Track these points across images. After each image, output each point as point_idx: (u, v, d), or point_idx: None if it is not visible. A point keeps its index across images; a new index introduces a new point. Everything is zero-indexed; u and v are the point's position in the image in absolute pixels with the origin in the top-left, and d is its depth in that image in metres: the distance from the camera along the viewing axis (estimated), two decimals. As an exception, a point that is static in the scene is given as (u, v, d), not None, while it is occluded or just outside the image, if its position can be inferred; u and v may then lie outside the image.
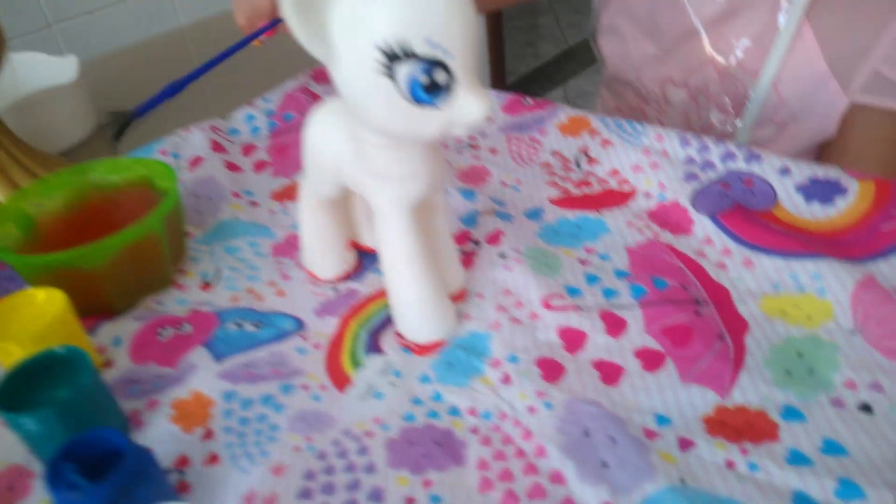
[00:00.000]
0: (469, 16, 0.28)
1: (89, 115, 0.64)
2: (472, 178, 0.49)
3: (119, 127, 0.42)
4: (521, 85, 2.42)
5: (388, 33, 0.27)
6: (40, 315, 0.36)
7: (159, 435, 0.33)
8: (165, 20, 1.06)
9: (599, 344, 0.36)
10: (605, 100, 0.68)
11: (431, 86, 0.28)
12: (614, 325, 0.36)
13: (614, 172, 0.47)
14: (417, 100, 0.28)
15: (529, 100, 0.55)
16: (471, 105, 0.29)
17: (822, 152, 0.54)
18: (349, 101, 0.31)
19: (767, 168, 0.43)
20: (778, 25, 0.50)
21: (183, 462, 0.32)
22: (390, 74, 0.28)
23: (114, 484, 0.26)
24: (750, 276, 0.38)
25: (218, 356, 0.37)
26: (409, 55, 0.27)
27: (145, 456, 0.28)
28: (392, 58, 0.28)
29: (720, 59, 0.54)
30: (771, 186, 0.42)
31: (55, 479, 0.27)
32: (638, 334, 0.36)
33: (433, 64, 0.28)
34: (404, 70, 0.28)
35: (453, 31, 0.28)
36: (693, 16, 0.54)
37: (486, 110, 0.29)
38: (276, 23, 0.47)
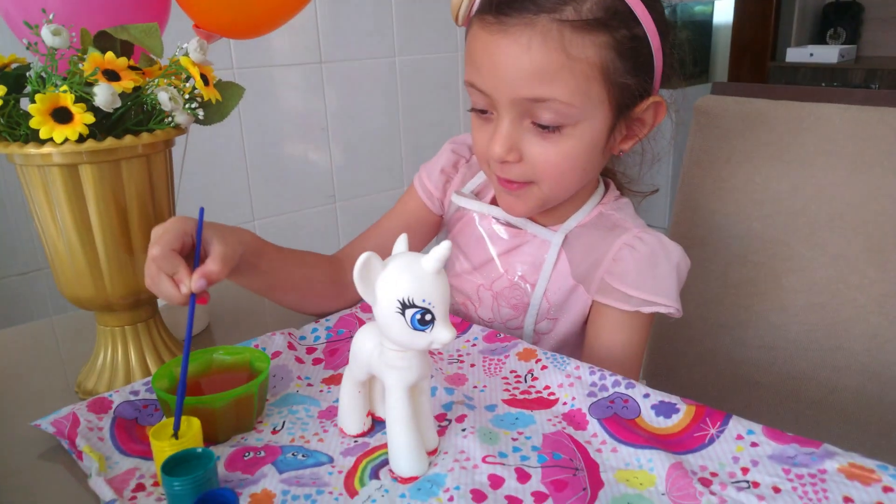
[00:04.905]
0: (444, 286, 0.56)
1: (204, 317, 0.93)
2: (455, 380, 0.75)
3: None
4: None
5: (403, 294, 0.54)
6: (183, 431, 0.60)
7: (242, 508, 0.56)
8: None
9: (511, 486, 0.58)
10: None
11: (423, 321, 0.55)
12: (523, 476, 0.59)
13: (546, 387, 0.72)
14: (415, 328, 0.55)
15: (501, 334, 0.81)
16: (442, 333, 0.55)
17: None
18: (380, 325, 0.57)
19: (637, 393, 0.67)
20: (545, 257, 0.83)
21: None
22: (402, 314, 0.55)
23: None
24: (613, 457, 0.61)
25: (280, 471, 0.60)
26: (412, 305, 0.55)
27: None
28: (404, 306, 0.55)
29: (508, 276, 0.85)
30: (638, 404, 0.66)
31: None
32: (536, 483, 0.58)
33: (424, 310, 0.55)
34: (409, 312, 0.55)
35: (436, 294, 0.55)
36: (489, 248, 0.87)
37: (450, 337, 0.55)
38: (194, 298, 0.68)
